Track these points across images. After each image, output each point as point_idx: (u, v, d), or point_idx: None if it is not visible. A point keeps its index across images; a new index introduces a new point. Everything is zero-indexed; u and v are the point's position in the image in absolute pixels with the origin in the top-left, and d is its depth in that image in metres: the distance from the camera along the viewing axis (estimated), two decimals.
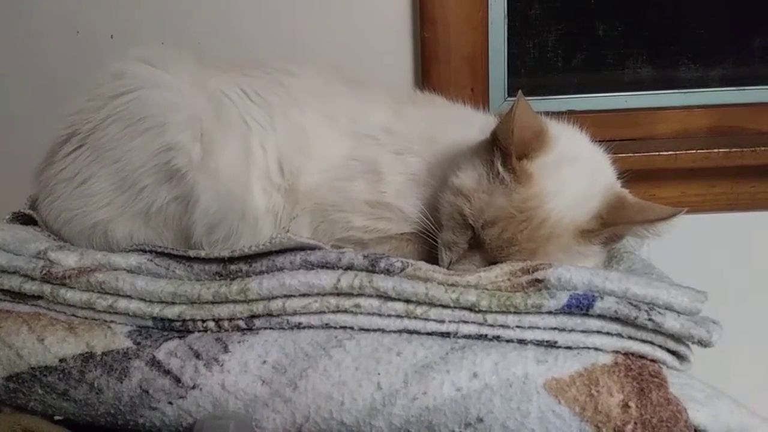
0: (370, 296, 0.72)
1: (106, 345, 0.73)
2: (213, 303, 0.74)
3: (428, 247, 0.87)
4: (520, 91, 0.78)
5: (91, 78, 0.88)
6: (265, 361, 0.70)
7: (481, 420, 0.65)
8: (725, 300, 0.84)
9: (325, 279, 0.72)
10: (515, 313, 0.69)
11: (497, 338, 0.70)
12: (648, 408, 0.63)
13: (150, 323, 0.76)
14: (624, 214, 0.79)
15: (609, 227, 0.78)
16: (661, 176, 1.27)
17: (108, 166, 0.83)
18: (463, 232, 0.81)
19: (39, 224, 0.91)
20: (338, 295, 0.73)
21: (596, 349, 0.68)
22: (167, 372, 0.71)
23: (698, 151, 1.26)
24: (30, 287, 0.78)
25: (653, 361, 0.68)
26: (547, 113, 0.89)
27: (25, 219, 0.93)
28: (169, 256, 0.79)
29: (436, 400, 0.66)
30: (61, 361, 0.73)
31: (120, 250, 0.83)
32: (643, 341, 0.68)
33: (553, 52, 1.37)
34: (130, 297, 0.76)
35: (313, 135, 0.93)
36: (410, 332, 0.72)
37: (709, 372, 0.71)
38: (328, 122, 0.95)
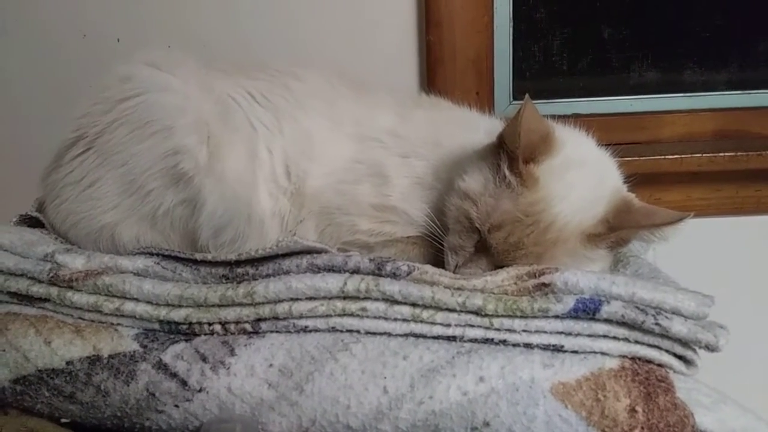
0: (376, 300, 0.72)
1: (112, 348, 0.74)
2: (219, 306, 0.74)
3: (434, 250, 0.87)
4: (527, 95, 0.78)
5: (98, 81, 0.88)
6: (271, 365, 0.70)
7: (487, 424, 0.65)
8: (731, 304, 0.84)
9: (331, 282, 0.72)
10: (522, 317, 0.69)
11: (504, 342, 0.70)
12: (655, 413, 0.63)
13: (156, 326, 0.76)
14: (630, 218, 0.79)
15: (616, 231, 0.78)
16: (667, 180, 1.27)
17: (115, 170, 0.83)
18: (469, 236, 0.81)
19: (46, 227, 0.91)
20: (345, 298, 0.73)
21: (603, 353, 0.68)
22: (174, 375, 0.71)
23: (704, 154, 1.26)
24: (37, 290, 0.78)
25: (660, 365, 0.68)
26: (552, 117, 0.89)
27: (32, 222, 0.93)
28: (176, 259, 0.79)
29: (442, 404, 0.66)
30: (67, 363, 0.73)
31: (127, 253, 0.83)
32: (650, 346, 0.68)
33: (559, 56, 1.37)
34: (136, 300, 0.76)
35: (319, 138, 0.93)
36: (416, 336, 0.72)
37: (715, 376, 0.71)
38: (333, 126, 0.95)
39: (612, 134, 1.22)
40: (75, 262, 0.79)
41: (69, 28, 1.31)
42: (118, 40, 1.31)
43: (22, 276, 0.79)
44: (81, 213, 0.86)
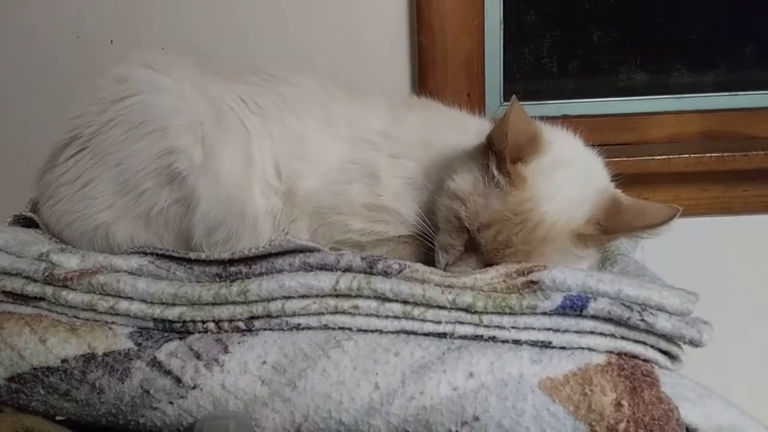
0: (368, 297, 0.73)
1: (107, 346, 0.74)
2: (213, 304, 0.75)
3: (425, 249, 0.88)
4: (514, 96, 0.79)
5: (93, 82, 0.89)
6: (264, 362, 0.71)
7: (477, 419, 0.66)
8: (719, 302, 0.85)
9: (323, 281, 0.73)
10: (510, 314, 0.71)
11: (493, 339, 0.71)
12: (640, 406, 0.65)
13: (151, 324, 0.77)
14: (622, 220, 0.79)
15: (608, 234, 0.80)
16: (655, 180, 1.28)
17: (110, 170, 0.84)
18: (459, 235, 0.82)
19: (40, 227, 0.91)
20: (337, 296, 0.74)
21: (590, 349, 0.70)
22: (168, 372, 0.72)
23: (691, 155, 1.27)
24: (32, 289, 0.78)
25: (645, 360, 0.69)
26: (542, 118, 0.90)
27: (26, 222, 0.93)
28: (170, 258, 0.80)
29: (433, 400, 0.67)
30: (62, 361, 0.73)
31: (121, 253, 0.84)
32: (636, 341, 0.69)
33: (549, 58, 1.39)
34: (131, 299, 0.76)
35: (311, 140, 0.94)
36: (407, 333, 0.73)
37: (701, 373, 0.73)
38: (325, 128, 0.96)
39: (601, 135, 1.25)
40: (70, 262, 0.79)
41: (62, 29, 1.32)
42: (112, 42, 1.31)
43: (17, 275, 0.80)
44: (75, 213, 0.86)
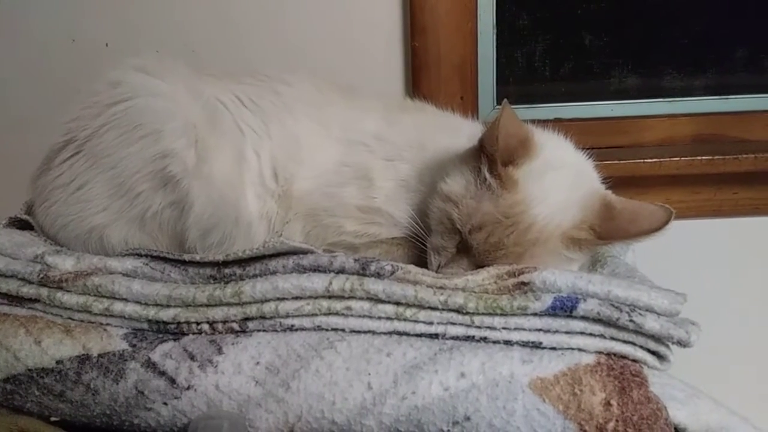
0: (360, 299, 0.74)
1: (102, 347, 0.75)
2: (207, 306, 0.76)
3: (418, 251, 0.89)
4: (505, 100, 0.80)
5: (88, 86, 0.89)
6: (258, 363, 0.72)
7: (468, 418, 0.67)
8: (706, 303, 0.86)
9: (317, 282, 0.74)
10: (501, 314, 0.71)
11: (484, 339, 0.72)
12: (629, 406, 0.65)
13: (145, 326, 0.77)
14: (617, 226, 0.80)
15: (603, 240, 0.80)
16: (646, 183, 1.29)
17: (104, 173, 0.85)
18: (451, 237, 0.83)
19: (35, 229, 0.92)
20: (330, 297, 0.75)
21: (579, 349, 0.70)
22: (162, 373, 0.72)
23: (682, 158, 1.28)
24: (27, 290, 0.79)
25: (634, 361, 0.70)
26: (534, 121, 0.91)
27: (21, 224, 0.94)
28: (165, 259, 0.81)
29: (424, 400, 0.68)
30: (57, 362, 0.74)
31: (116, 255, 0.84)
32: (625, 342, 0.70)
33: (541, 62, 1.39)
34: (125, 300, 0.77)
35: (306, 142, 0.95)
36: (400, 334, 0.74)
37: (692, 374, 0.73)
38: (320, 130, 0.96)
39: (593, 138, 1.25)
40: (65, 264, 0.80)
41: (58, 33, 1.32)
42: (107, 45, 1.32)
43: (12, 277, 0.80)
44: (70, 215, 0.87)
